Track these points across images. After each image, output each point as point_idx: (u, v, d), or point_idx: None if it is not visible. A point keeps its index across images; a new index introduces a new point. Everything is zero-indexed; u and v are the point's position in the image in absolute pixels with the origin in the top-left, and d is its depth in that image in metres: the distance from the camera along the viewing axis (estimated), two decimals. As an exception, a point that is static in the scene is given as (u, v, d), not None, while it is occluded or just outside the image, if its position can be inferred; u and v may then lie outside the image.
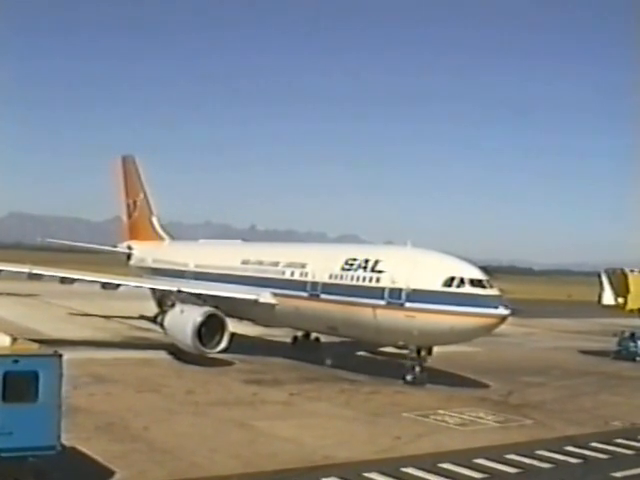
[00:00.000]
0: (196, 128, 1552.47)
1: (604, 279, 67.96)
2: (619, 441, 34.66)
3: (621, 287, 66.81)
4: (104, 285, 60.78)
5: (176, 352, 53.27)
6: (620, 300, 66.88)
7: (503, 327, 47.32)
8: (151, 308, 69.08)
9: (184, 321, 52.04)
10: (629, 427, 38.34)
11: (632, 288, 66.21)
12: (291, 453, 29.95)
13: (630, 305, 66.80)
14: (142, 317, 77.02)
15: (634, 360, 64.95)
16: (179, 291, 58.16)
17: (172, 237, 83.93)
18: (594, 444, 33.71)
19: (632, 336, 67.37)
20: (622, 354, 66.53)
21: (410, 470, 28.24)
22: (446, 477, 27.78)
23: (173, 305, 56.14)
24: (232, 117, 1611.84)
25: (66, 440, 24.08)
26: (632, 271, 67.24)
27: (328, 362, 52.02)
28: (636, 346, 66.16)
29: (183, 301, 56.30)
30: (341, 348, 59.02)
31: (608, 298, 67.66)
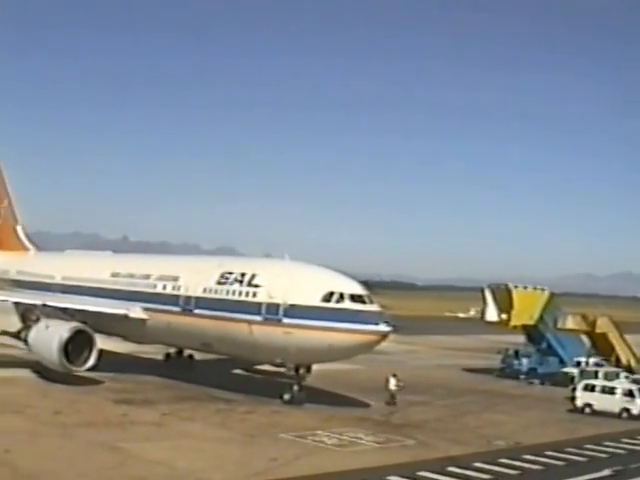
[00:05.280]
0: (63, 132, 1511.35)
1: (488, 295, 67.57)
2: (503, 461, 34.24)
3: (505, 303, 66.55)
4: (-39, 298, 58.11)
5: (41, 370, 51.22)
6: (504, 316, 66.59)
7: (385, 344, 46.76)
8: (14, 323, 66.30)
9: (49, 337, 50.02)
10: (513, 446, 38.04)
11: (516, 304, 65.96)
12: (162, 477, 29.09)
13: (514, 321, 66.66)
14: (4, 332, 73.51)
15: (518, 378, 64.57)
16: (44, 305, 56.19)
17: (38, 247, 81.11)
18: (477, 464, 33.26)
19: (516, 354, 67.03)
20: (506, 372, 66.26)
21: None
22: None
23: (38, 320, 54.33)
24: (102, 121, 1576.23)
25: None
26: (516, 287, 67.11)
27: None
28: (520, 364, 65.67)
29: (49, 316, 54.31)
30: (216, 366, 57.35)
31: (491, 314, 67.38)
